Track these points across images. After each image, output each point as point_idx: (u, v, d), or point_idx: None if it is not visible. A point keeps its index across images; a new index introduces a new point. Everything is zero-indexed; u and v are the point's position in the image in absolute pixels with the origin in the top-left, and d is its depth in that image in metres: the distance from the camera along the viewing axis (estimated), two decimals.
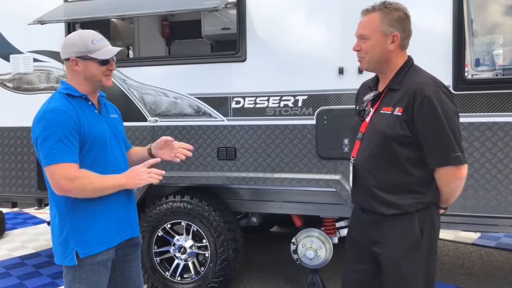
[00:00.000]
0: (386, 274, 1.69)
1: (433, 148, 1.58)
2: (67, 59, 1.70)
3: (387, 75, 1.69)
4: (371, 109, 1.72)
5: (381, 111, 1.66)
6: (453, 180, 1.62)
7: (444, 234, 4.66)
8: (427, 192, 1.65)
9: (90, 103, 1.74)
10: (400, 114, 1.58)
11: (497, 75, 2.55)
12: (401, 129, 1.58)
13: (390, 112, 1.62)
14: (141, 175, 1.69)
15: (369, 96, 1.74)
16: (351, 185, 1.79)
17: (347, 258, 1.89)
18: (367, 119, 1.72)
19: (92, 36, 1.70)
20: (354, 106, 1.92)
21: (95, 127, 1.69)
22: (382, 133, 1.62)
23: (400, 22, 1.64)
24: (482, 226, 2.71)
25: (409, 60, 1.71)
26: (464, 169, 1.61)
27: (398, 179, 1.64)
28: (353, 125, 1.82)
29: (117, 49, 1.72)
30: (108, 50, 1.70)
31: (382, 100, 1.69)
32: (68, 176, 1.57)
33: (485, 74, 2.55)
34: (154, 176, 1.68)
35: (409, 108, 1.57)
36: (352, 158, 1.76)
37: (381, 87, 1.73)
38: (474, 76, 2.55)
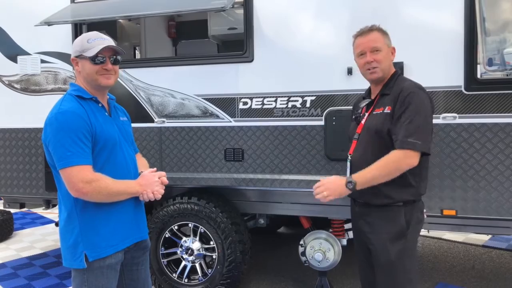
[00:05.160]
0: (376, 260, 1.89)
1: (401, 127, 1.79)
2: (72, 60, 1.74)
3: (381, 84, 1.95)
4: (366, 113, 1.97)
5: (374, 113, 1.93)
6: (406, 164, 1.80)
7: (454, 236, 4.61)
8: (418, 183, 1.87)
9: (100, 105, 1.75)
10: (389, 111, 1.84)
11: (508, 75, 2.50)
12: (390, 123, 1.83)
13: (381, 111, 1.88)
14: (154, 186, 1.74)
15: (363, 103, 2.01)
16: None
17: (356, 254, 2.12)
18: (363, 122, 1.97)
19: (90, 36, 1.71)
20: (351, 115, 2.17)
21: (105, 130, 1.69)
22: (376, 129, 1.87)
23: (390, 39, 1.95)
24: (495, 229, 2.66)
25: (397, 71, 1.99)
26: (416, 158, 1.78)
27: None
28: (349, 130, 2.09)
29: (102, 46, 1.67)
30: (97, 47, 1.67)
31: (375, 104, 1.95)
32: (85, 179, 1.57)
33: (498, 73, 2.50)
34: (161, 192, 1.77)
35: (395, 104, 1.84)
36: (349, 156, 2.00)
37: (373, 96, 2.00)
38: (486, 76, 2.50)
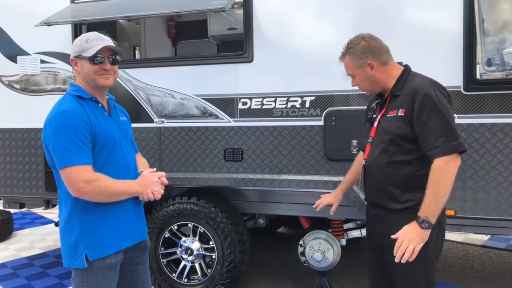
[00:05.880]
0: (396, 265, 1.73)
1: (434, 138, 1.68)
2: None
3: (388, 87, 1.87)
4: (378, 115, 1.90)
5: (387, 115, 1.84)
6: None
7: (453, 236, 4.61)
8: None
9: (100, 105, 1.75)
10: (403, 114, 1.75)
11: (507, 75, 2.51)
12: (406, 127, 1.74)
13: (395, 114, 1.79)
14: (153, 186, 1.75)
15: (375, 103, 1.94)
16: (362, 185, 1.94)
17: (367, 257, 2.03)
18: (375, 124, 1.89)
19: (89, 36, 1.72)
20: (365, 115, 2.08)
21: (105, 129, 1.69)
22: (391, 133, 1.78)
23: (366, 50, 1.83)
24: (494, 229, 2.66)
25: (406, 68, 1.88)
26: (458, 157, 1.69)
27: (408, 174, 1.77)
28: (363, 132, 2.01)
29: (100, 46, 1.68)
30: (96, 48, 1.68)
31: (387, 106, 1.86)
32: (85, 179, 1.58)
33: (497, 74, 2.51)
34: (161, 192, 1.77)
35: (409, 107, 1.73)
36: (363, 160, 1.92)
37: (385, 96, 1.92)
38: (485, 76, 2.51)
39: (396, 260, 1.67)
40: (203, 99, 3.06)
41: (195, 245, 3.15)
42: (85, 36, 1.73)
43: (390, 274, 1.86)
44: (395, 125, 1.77)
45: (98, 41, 1.70)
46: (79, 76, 1.73)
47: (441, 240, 1.83)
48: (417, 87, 1.73)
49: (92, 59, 1.68)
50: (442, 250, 1.85)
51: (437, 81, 1.78)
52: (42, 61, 3.41)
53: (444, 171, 1.66)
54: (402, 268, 1.71)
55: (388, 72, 1.85)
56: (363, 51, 1.82)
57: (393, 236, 1.69)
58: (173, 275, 3.22)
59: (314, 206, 2.28)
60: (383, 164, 1.80)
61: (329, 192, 2.95)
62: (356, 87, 2.81)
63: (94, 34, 1.74)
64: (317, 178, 2.85)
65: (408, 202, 1.76)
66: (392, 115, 1.80)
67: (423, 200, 1.67)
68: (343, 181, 2.25)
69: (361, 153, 2.17)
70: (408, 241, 1.65)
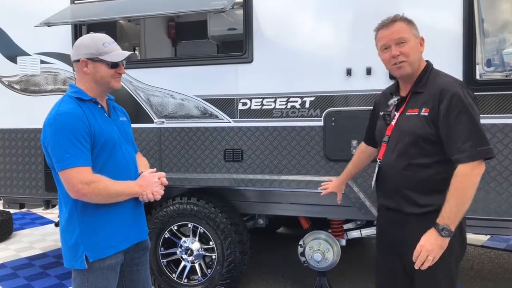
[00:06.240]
0: (416, 273, 1.67)
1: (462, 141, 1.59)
2: (77, 61, 1.71)
3: (411, 80, 1.75)
4: (396, 113, 1.77)
5: (406, 114, 1.72)
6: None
7: None
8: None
9: (99, 106, 1.75)
10: (427, 114, 1.64)
11: (507, 75, 2.51)
12: (429, 128, 1.63)
13: (416, 113, 1.67)
14: (153, 187, 1.75)
15: (393, 101, 1.80)
16: (374, 186, 1.84)
17: (375, 259, 1.95)
18: (393, 123, 1.77)
19: (104, 39, 1.73)
20: (371, 112, 2.02)
21: (105, 130, 1.69)
22: (412, 133, 1.67)
23: (417, 29, 1.74)
24: (493, 229, 2.66)
25: (429, 64, 1.78)
26: (483, 162, 1.61)
27: (427, 178, 1.67)
28: (377, 130, 1.89)
29: (127, 53, 1.73)
30: (118, 53, 1.71)
31: (407, 103, 1.74)
32: (84, 180, 1.58)
33: (497, 74, 2.51)
34: (161, 192, 1.77)
35: (435, 107, 1.62)
36: (378, 160, 1.81)
37: (403, 92, 1.80)
38: (485, 77, 2.51)
39: (416, 267, 1.62)
40: (203, 99, 3.06)
41: (195, 245, 3.15)
42: (99, 38, 1.72)
43: (406, 278, 1.77)
44: (416, 125, 1.66)
45: (114, 45, 1.73)
46: (87, 77, 1.71)
47: (463, 242, 1.74)
48: (444, 86, 1.62)
49: (112, 64, 1.69)
50: (465, 253, 1.78)
51: (461, 80, 1.73)
52: (42, 62, 3.41)
53: (468, 177, 1.57)
54: (424, 272, 1.64)
55: (422, 62, 1.76)
56: (416, 27, 1.73)
57: (415, 256, 1.62)
58: (173, 275, 3.22)
59: (319, 188, 2.35)
60: (401, 167, 1.69)
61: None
62: (354, 87, 2.79)
63: (106, 37, 1.75)
64: (317, 178, 2.85)
65: (427, 206, 1.66)
66: (413, 113, 1.68)
67: (443, 206, 1.58)
68: (344, 172, 2.24)
69: (363, 144, 2.13)
70: (427, 251, 1.58)
